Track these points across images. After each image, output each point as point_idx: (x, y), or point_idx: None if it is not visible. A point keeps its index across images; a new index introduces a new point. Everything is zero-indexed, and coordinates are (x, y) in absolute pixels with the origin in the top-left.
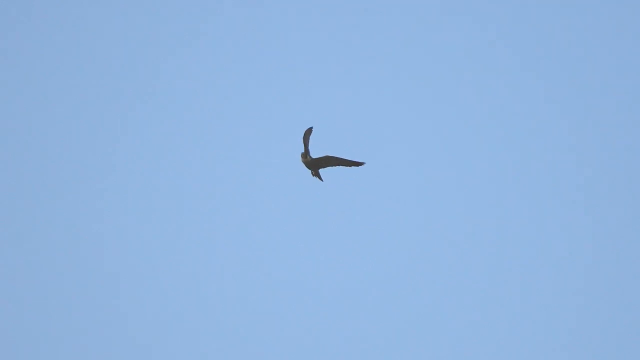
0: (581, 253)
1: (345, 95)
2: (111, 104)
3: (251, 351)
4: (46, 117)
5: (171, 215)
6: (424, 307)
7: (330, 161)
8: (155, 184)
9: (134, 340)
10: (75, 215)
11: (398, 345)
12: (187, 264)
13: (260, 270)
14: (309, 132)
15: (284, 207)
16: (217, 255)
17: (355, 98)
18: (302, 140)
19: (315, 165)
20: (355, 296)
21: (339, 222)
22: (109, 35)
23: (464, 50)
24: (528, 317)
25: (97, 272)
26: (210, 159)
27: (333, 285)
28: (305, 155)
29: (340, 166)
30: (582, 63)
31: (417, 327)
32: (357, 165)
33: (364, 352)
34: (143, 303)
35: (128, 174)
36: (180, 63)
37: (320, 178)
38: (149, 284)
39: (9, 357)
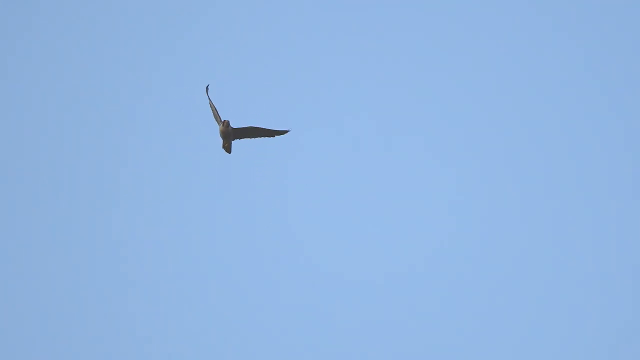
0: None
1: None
2: (113, 104)
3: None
4: (48, 118)
5: (176, 216)
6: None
7: (254, 132)
8: (158, 183)
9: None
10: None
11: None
12: (190, 265)
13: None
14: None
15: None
16: (223, 257)
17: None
18: (211, 107)
19: (235, 135)
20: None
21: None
22: (107, 37)
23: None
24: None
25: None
26: (216, 160)
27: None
28: (227, 124)
29: (265, 137)
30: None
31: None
32: (282, 134)
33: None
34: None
35: (133, 174)
36: (178, 64)
37: (229, 151)
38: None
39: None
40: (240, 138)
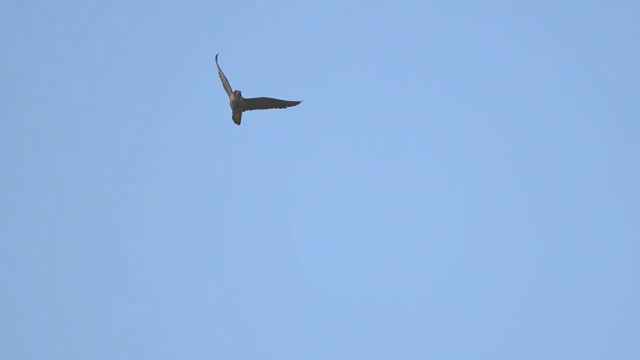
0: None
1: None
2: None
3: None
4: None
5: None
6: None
7: (266, 103)
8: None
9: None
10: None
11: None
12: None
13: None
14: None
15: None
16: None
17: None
18: (220, 77)
19: (247, 106)
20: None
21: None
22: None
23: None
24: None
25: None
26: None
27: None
28: (239, 95)
29: (276, 108)
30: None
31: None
32: (294, 105)
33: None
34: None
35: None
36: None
37: (239, 122)
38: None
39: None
40: (251, 109)
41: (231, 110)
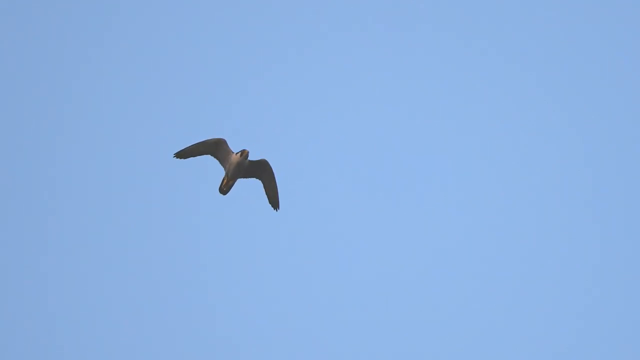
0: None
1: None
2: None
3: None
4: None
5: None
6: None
7: (262, 170)
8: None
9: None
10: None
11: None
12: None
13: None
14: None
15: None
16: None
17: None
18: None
19: (246, 172)
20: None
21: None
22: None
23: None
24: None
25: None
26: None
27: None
28: (247, 155)
29: (265, 183)
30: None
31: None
32: (274, 205)
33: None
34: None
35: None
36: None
37: (227, 191)
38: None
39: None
40: (248, 177)
41: (226, 176)
